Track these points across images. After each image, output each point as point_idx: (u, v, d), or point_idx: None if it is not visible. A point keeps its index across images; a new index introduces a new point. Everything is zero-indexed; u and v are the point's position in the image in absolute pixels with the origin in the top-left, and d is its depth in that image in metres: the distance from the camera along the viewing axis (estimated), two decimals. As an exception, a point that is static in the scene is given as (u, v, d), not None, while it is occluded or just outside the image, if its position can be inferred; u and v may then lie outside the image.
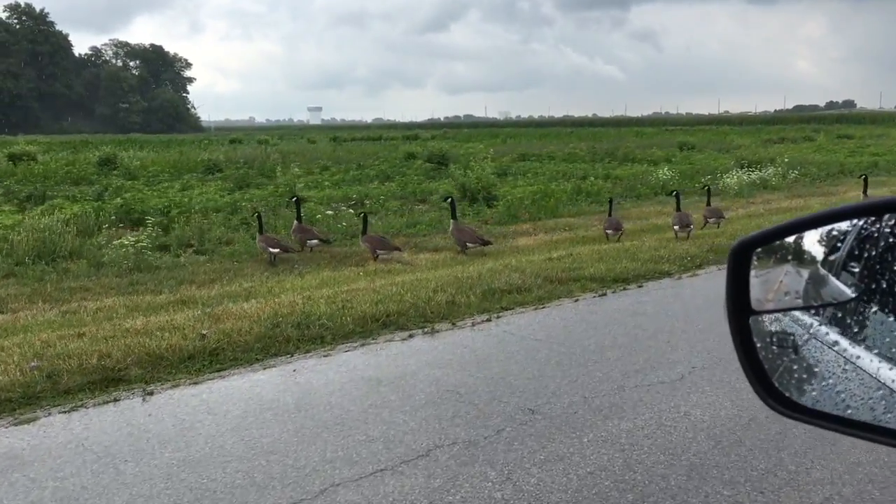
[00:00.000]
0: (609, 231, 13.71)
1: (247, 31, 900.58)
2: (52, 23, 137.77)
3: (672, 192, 15.51)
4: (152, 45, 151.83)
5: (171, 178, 27.01)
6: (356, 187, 22.90)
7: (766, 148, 40.75)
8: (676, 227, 13.43)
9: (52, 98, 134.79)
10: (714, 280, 9.82)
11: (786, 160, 24.93)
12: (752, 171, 24.25)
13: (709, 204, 15.66)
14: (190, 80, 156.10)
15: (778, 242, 1.47)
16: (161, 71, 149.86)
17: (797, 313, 1.45)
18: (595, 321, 7.87)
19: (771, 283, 1.49)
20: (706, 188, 16.73)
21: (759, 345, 1.44)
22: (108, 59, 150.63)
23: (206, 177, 27.64)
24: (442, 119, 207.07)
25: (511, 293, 8.85)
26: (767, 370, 1.43)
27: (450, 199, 13.75)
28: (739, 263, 1.47)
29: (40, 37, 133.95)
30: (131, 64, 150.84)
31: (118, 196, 20.56)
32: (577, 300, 8.80)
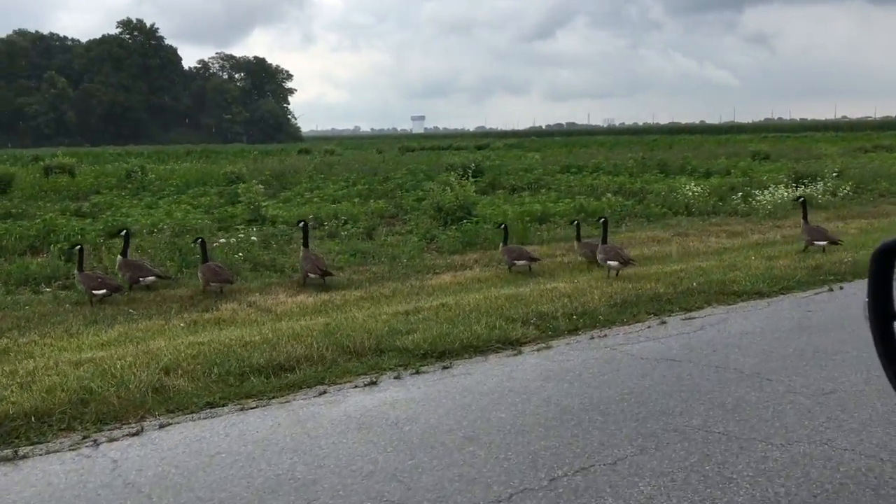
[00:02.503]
0: (611, 263, 10.90)
1: (355, 41, 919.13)
2: (161, 37, 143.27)
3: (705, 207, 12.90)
4: (256, 58, 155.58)
5: (177, 191, 26.02)
6: (344, 204, 20.97)
7: (854, 157, 36.47)
8: (611, 263, 10.78)
9: (160, 110, 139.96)
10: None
11: (835, 174, 21.33)
12: (801, 187, 20.87)
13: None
14: (291, 91, 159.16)
15: None
16: (264, 82, 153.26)
17: None
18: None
19: None
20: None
21: None
22: (214, 71, 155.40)
23: (227, 188, 26.44)
24: (544, 127, 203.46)
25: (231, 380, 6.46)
26: None
27: (302, 223, 12.20)
28: (882, 268, 1.54)
29: (150, 51, 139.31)
30: (236, 76, 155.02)
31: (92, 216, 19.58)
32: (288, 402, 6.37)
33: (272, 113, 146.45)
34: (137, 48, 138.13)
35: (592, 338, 7.53)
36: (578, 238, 12.77)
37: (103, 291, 10.23)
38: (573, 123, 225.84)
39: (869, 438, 4.82)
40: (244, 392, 6.02)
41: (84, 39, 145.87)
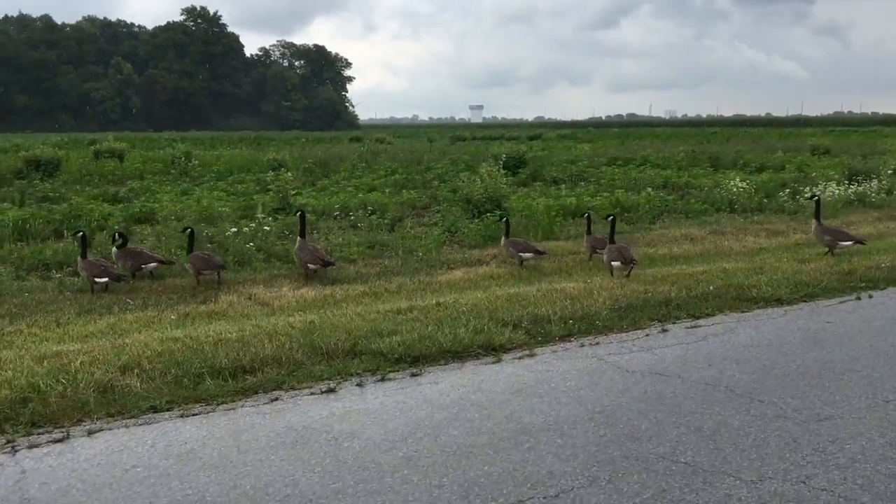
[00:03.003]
0: (615, 264, 10.35)
1: (416, 30, 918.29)
2: (224, 25, 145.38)
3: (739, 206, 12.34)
4: (315, 46, 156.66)
5: (216, 178, 26.08)
6: (375, 194, 20.64)
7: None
8: (615, 264, 10.21)
9: (222, 96, 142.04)
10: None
11: (890, 171, 20.16)
12: (854, 184, 19.80)
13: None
14: (349, 79, 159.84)
15: None
16: (323, 70, 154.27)
17: None
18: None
19: None
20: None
21: None
22: (275, 59, 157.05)
23: (264, 176, 26.44)
24: (603, 118, 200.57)
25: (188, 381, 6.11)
26: None
27: (299, 213, 11.85)
28: None
29: (213, 38, 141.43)
30: (296, 64, 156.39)
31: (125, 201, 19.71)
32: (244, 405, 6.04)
33: (330, 101, 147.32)
34: (201, 35, 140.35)
35: (583, 345, 7.02)
36: (588, 231, 12.41)
37: (105, 280, 10.08)
38: (634, 115, 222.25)
39: (854, 477, 4.25)
40: (195, 396, 5.69)
41: (150, 26, 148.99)
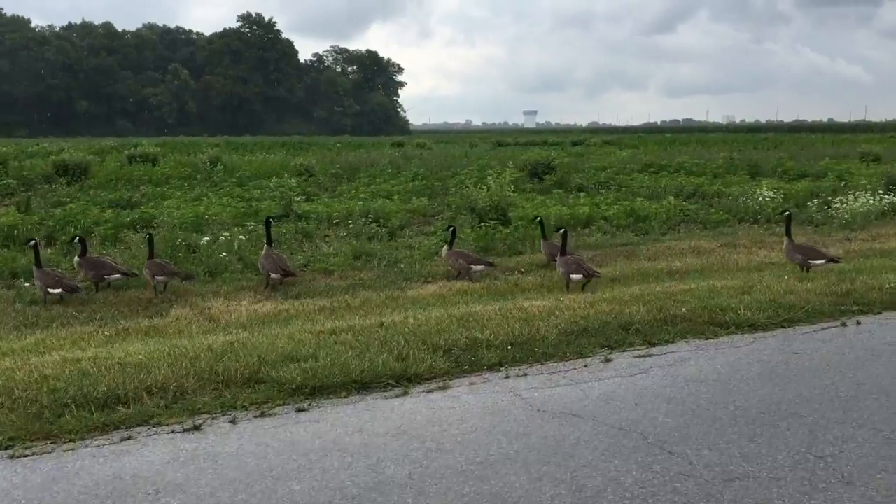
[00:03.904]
0: (575, 276, 10.22)
1: (470, 35, 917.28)
2: (279, 31, 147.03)
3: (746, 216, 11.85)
4: (368, 51, 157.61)
5: (238, 183, 25.88)
6: (381, 201, 20.09)
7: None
8: (575, 277, 9.62)
9: (275, 101, 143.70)
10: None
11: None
12: (890, 194, 18.55)
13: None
14: (401, 84, 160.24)
15: None
16: (375, 76, 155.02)
17: None
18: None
19: None
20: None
21: None
22: (328, 64, 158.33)
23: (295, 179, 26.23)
24: (659, 123, 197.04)
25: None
26: None
27: (266, 220, 11.64)
28: None
29: (268, 44, 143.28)
30: (349, 69, 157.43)
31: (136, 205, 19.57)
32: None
33: (382, 106, 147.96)
34: (256, 41, 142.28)
35: (508, 377, 6.32)
36: (544, 237, 12.27)
37: (58, 291, 9.76)
38: (690, 120, 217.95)
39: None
40: (46, 431, 5.16)
41: (208, 33, 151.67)
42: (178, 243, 12.63)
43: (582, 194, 21.92)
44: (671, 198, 19.76)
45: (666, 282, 10.91)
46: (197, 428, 5.22)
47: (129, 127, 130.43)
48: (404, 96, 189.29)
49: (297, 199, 18.52)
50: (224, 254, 12.12)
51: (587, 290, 10.18)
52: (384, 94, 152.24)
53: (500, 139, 67.40)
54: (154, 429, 5.23)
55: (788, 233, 11.11)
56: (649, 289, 9.96)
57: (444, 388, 6.02)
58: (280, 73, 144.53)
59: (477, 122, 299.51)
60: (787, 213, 11.88)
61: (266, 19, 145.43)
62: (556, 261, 10.95)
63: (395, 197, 20.78)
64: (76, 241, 11.16)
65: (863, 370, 6.25)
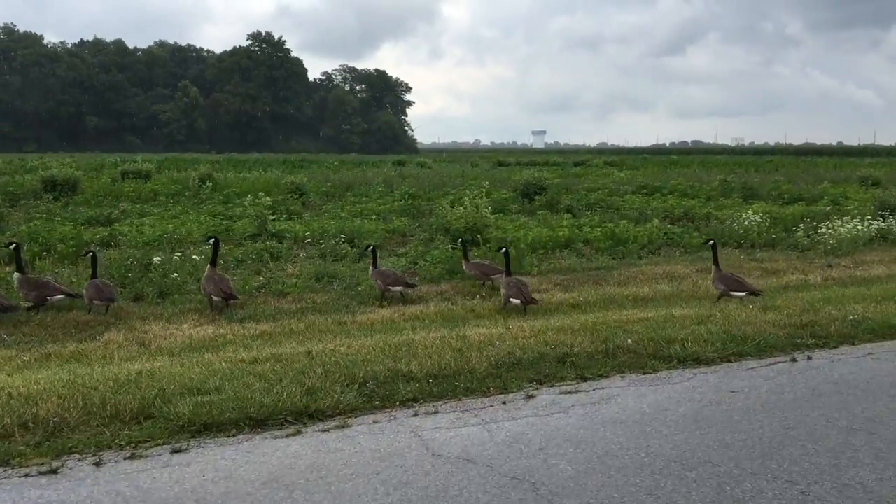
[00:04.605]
0: (514, 301, 10.26)
1: (480, 56, 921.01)
2: (288, 50, 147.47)
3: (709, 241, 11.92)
4: (377, 70, 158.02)
5: (224, 201, 25.60)
6: (358, 221, 19.72)
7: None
8: (514, 301, 9.40)
9: (283, 119, 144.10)
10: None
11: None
12: (879, 220, 18.06)
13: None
14: (409, 103, 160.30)
15: None
16: (383, 94, 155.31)
17: None
18: None
19: None
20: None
21: None
22: (337, 83, 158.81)
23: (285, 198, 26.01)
24: (667, 144, 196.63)
25: None
26: None
27: (213, 240, 11.17)
28: None
29: (277, 63, 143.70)
30: (357, 88, 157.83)
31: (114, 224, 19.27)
32: None
33: (389, 124, 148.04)
34: (265, 59, 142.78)
35: (416, 414, 5.89)
36: (465, 257, 12.25)
37: (-9, 310, 9.40)
38: (699, 142, 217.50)
39: None
40: None
41: (218, 51, 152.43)
42: (130, 263, 12.27)
43: (567, 216, 21.53)
44: (656, 220, 19.35)
45: (628, 309, 10.48)
46: (54, 471, 4.81)
47: (138, 143, 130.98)
48: (413, 115, 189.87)
49: (271, 217, 18.19)
50: (175, 274, 11.75)
51: (538, 317, 9.77)
52: (392, 113, 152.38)
53: (502, 159, 67.11)
54: (11, 471, 4.83)
55: (715, 262, 11.02)
56: (606, 317, 9.54)
57: (343, 426, 5.60)
58: (289, 92, 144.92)
59: (486, 141, 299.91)
60: (711, 242, 11.72)
61: (276, 38, 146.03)
62: (489, 280, 11.50)
63: (374, 217, 20.42)
64: (10, 246, 10.81)
65: (796, 412, 5.79)
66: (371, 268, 11.37)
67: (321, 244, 15.89)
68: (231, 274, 12.59)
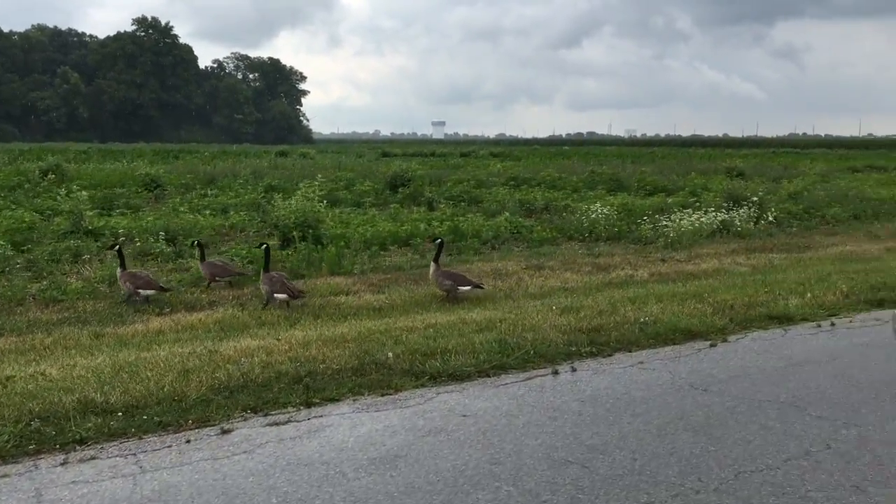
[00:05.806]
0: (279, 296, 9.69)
1: (380, 45, 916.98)
2: (176, 36, 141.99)
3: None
4: (270, 59, 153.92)
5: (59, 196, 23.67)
6: (190, 217, 18.36)
7: (839, 177, 33.27)
8: (280, 296, 8.90)
9: (172, 108, 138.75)
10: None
11: (755, 199, 18.31)
12: (722, 212, 17.94)
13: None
14: (304, 92, 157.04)
15: None
16: (277, 83, 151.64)
17: None
18: None
19: None
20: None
21: None
22: (229, 71, 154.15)
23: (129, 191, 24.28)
24: (563, 136, 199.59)
25: None
26: None
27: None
28: None
29: (164, 49, 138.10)
30: (250, 76, 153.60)
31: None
32: None
33: (283, 114, 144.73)
34: (151, 45, 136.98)
35: (66, 462, 4.85)
36: (202, 258, 11.49)
37: None
38: (594, 133, 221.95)
39: None
40: None
41: (102, 36, 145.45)
42: None
43: (422, 209, 20.77)
44: (507, 214, 18.76)
45: (430, 312, 9.67)
46: None
47: (14, 132, 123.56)
48: (310, 105, 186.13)
49: (89, 213, 16.65)
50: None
51: (325, 324, 8.84)
52: (286, 103, 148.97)
53: (386, 150, 66.21)
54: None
55: (437, 259, 10.77)
56: (394, 323, 8.70)
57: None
58: (177, 79, 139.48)
59: (386, 132, 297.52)
60: (438, 240, 11.33)
61: (163, 23, 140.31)
62: (217, 281, 11.05)
63: (211, 212, 19.10)
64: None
65: (516, 441, 5.03)
66: (263, 272, 10.31)
67: (137, 243, 14.57)
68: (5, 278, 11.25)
